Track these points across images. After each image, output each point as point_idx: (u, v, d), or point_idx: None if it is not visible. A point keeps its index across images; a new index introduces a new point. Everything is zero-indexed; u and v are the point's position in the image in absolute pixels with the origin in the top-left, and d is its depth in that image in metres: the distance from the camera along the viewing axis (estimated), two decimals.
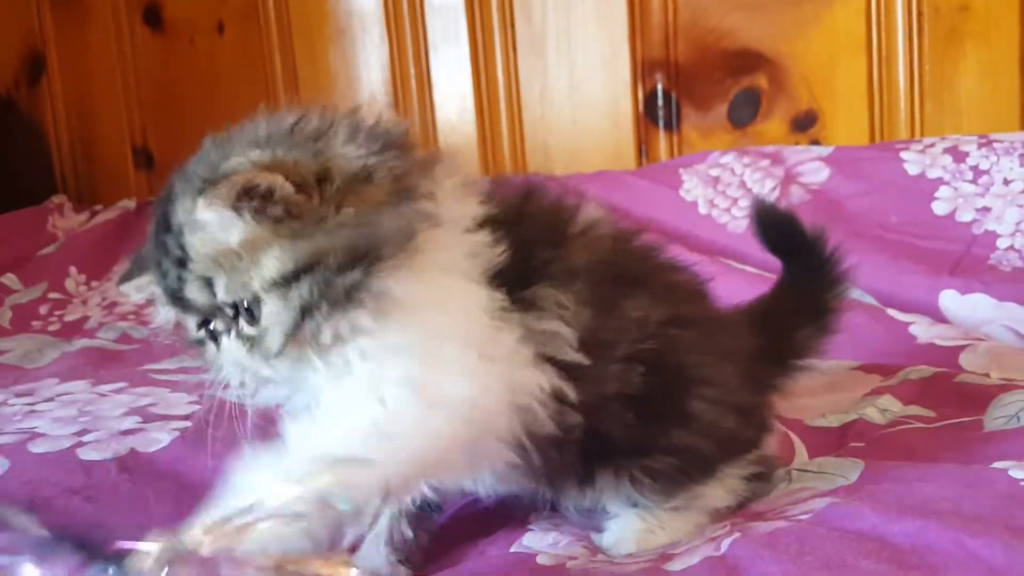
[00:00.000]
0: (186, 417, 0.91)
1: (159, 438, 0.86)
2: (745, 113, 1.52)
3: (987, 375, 0.96)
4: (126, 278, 0.66)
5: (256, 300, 0.57)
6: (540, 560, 0.65)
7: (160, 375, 1.09)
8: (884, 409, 0.89)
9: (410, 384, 0.56)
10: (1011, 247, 1.24)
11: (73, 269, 1.56)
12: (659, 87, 1.55)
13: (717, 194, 1.40)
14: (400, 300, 0.57)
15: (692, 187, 1.42)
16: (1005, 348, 1.07)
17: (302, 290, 0.56)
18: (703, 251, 1.31)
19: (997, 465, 0.69)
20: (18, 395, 1.05)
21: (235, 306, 0.58)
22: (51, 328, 1.43)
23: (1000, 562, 0.55)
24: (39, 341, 1.36)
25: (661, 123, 1.56)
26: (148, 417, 0.91)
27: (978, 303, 1.17)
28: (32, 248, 1.62)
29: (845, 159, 1.39)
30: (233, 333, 0.58)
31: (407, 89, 1.67)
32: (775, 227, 0.87)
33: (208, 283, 0.58)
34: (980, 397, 0.86)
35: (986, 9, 1.38)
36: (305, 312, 0.56)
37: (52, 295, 1.52)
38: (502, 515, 0.73)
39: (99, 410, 0.97)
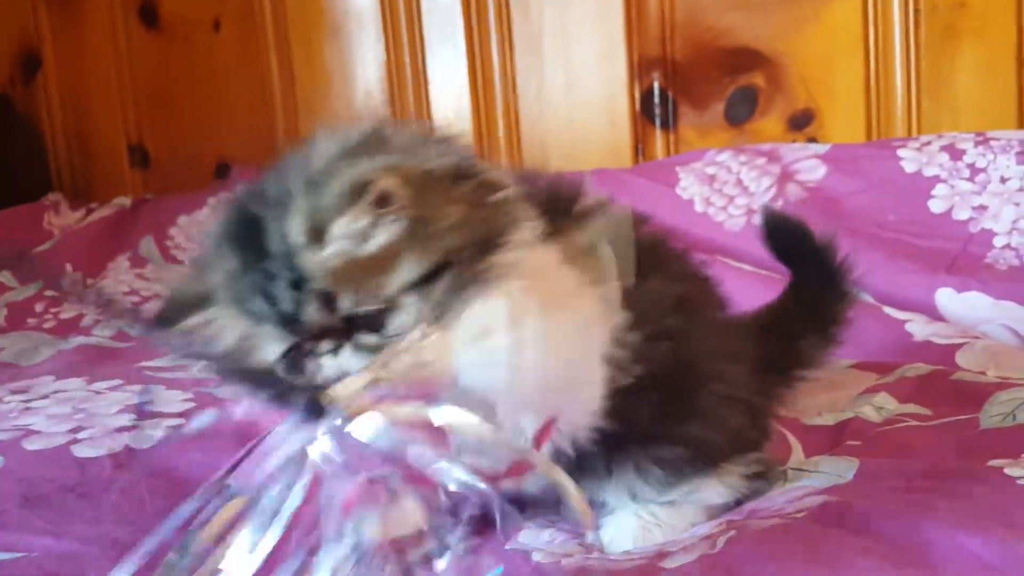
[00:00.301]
0: (180, 414, 0.91)
1: (154, 435, 0.86)
2: (742, 111, 1.52)
3: (983, 373, 0.96)
4: (175, 320, 0.60)
5: (384, 309, 0.56)
6: (536, 557, 0.65)
7: (156, 372, 1.09)
8: (880, 407, 0.89)
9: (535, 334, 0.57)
10: (1008, 245, 1.24)
11: (69, 267, 1.56)
12: (656, 85, 1.55)
13: (714, 192, 1.40)
14: (526, 268, 0.58)
15: (689, 185, 1.42)
16: (1001, 346, 1.07)
17: (440, 286, 0.56)
18: (700, 249, 1.30)
19: (993, 463, 0.69)
20: (13, 392, 1.05)
21: (351, 320, 0.56)
22: (46, 325, 1.43)
23: (997, 559, 0.55)
24: (35, 339, 1.36)
25: (658, 121, 1.56)
26: (143, 415, 0.91)
27: (975, 301, 1.17)
28: (28, 245, 1.62)
29: (842, 157, 1.38)
30: (349, 348, 0.57)
31: (403, 87, 1.67)
32: (784, 234, 0.87)
33: (330, 299, 0.56)
34: (976, 395, 0.86)
35: (983, 6, 1.38)
36: (442, 305, 0.56)
37: (48, 293, 1.51)
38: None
39: (94, 407, 0.97)
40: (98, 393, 1.03)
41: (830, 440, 0.84)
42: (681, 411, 0.67)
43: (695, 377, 0.68)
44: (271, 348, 0.58)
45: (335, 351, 0.56)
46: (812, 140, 1.48)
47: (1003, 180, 1.28)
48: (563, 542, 0.68)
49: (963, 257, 1.24)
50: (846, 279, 0.85)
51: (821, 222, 1.27)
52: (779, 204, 1.34)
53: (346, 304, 0.56)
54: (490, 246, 0.57)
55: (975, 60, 1.40)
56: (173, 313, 0.60)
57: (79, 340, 1.31)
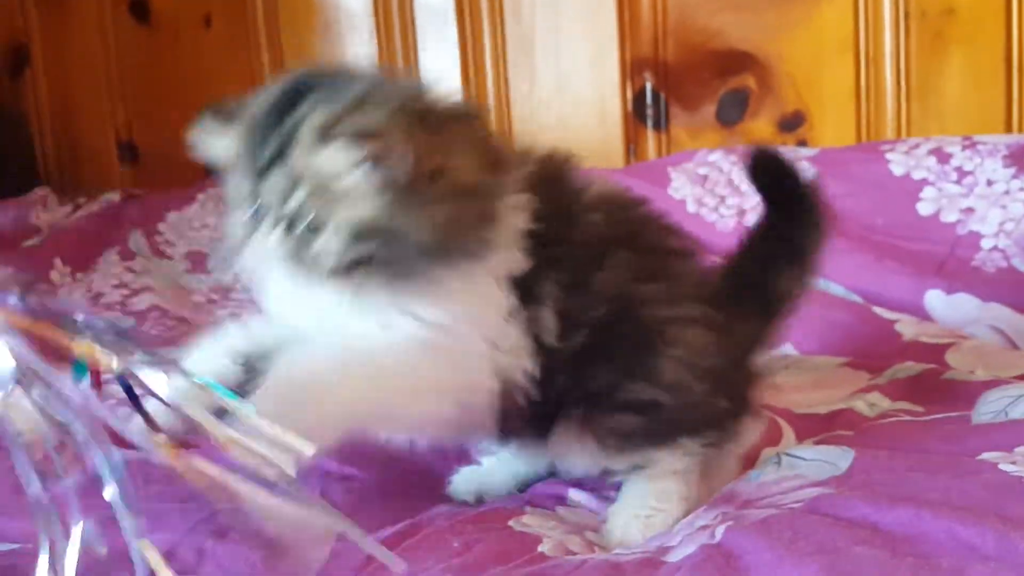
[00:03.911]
0: None
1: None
2: (733, 113, 1.53)
3: (972, 372, 0.97)
4: (214, 119, 0.67)
5: (320, 226, 0.61)
6: (542, 548, 0.65)
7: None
8: (872, 404, 0.89)
9: (422, 344, 0.63)
10: (995, 248, 1.25)
11: (58, 261, 1.55)
12: (648, 86, 1.56)
13: (705, 192, 1.41)
14: (449, 289, 0.63)
15: (680, 185, 1.43)
16: (990, 346, 1.08)
17: (370, 247, 0.61)
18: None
19: (986, 457, 0.70)
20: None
21: (292, 219, 0.61)
22: None
23: (991, 550, 0.55)
24: None
25: (650, 122, 1.57)
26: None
27: (963, 303, 1.18)
28: (16, 240, 1.61)
29: (831, 160, 1.39)
30: (280, 228, 0.61)
31: None
32: (769, 171, 0.85)
33: (292, 187, 0.61)
34: (967, 393, 0.87)
35: (971, 13, 1.39)
36: (360, 263, 0.61)
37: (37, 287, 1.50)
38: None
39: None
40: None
41: (822, 427, 0.84)
42: (636, 376, 0.69)
43: (648, 343, 0.69)
44: (240, 192, 0.64)
45: (271, 228, 0.62)
46: (802, 142, 1.49)
47: (990, 183, 1.30)
48: (566, 532, 0.69)
49: (951, 260, 1.25)
50: (820, 213, 0.83)
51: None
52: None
53: (295, 199, 0.61)
54: (441, 251, 0.62)
55: (963, 66, 1.41)
56: (215, 115, 0.67)
57: None
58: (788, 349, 1.13)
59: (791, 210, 0.83)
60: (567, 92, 1.59)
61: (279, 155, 0.61)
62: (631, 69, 1.56)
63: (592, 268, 0.68)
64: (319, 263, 0.61)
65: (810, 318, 1.15)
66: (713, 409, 0.72)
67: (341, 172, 0.60)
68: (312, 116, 0.60)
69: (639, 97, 1.56)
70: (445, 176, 0.61)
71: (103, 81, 1.81)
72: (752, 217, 1.33)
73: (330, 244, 0.61)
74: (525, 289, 0.66)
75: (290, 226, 0.61)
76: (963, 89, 1.42)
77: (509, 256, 0.65)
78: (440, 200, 0.61)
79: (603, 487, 0.75)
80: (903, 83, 1.44)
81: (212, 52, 1.74)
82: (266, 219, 0.62)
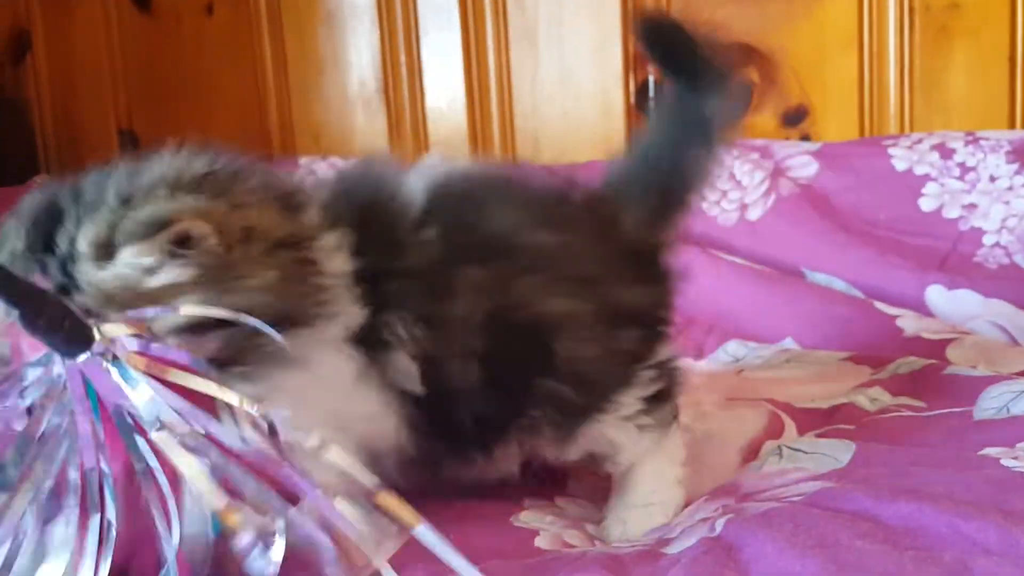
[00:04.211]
0: None
1: None
2: None
3: (974, 367, 0.97)
4: None
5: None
6: (539, 542, 0.65)
7: None
8: (874, 399, 0.89)
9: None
10: (997, 244, 1.25)
11: None
12: (651, 79, 1.55)
13: None
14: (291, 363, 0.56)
15: None
16: (991, 342, 1.08)
17: (209, 342, 0.53)
18: (692, 242, 1.30)
19: (988, 452, 0.70)
20: None
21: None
22: None
23: (994, 544, 0.55)
24: None
25: None
26: None
27: (964, 299, 1.18)
28: None
29: (833, 154, 1.39)
30: None
31: (397, 76, 1.66)
32: (663, 37, 0.80)
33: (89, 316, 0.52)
34: (970, 389, 0.86)
35: (976, 7, 1.39)
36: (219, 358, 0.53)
37: None
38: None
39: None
40: None
41: (823, 421, 0.84)
42: (528, 375, 0.65)
43: (536, 339, 0.65)
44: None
45: None
46: (805, 137, 1.49)
47: (993, 179, 1.29)
48: (564, 527, 0.69)
49: (953, 255, 1.25)
50: (725, 75, 0.78)
51: (813, 218, 1.30)
52: (772, 199, 1.35)
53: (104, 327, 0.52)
54: (281, 324, 0.53)
55: (967, 61, 1.41)
56: None
57: None
58: (789, 343, 1.13)
59: (693, 75, 0.77)
60: (570, 84, 1.58)
61: (65, 287, 0.53)
62: (634, 62, 1.55)
63: (441, 298, 0.62)
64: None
65: (811, 312, 1.16)
66: (619, 348, 0.67)
67: (142, 278, 0.53)
68: (82, 234, 0.54)
69: (642, 90, 1.56)
70: (255, 233, 0.55)
71: (104, 68, 1.80)
72: (755, 212, 1.34)
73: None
74: (371, 339, 0.60)
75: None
76: (967, 84, 1.41)
77: (346, 303, 0.59)
78: (262, 261, 0.55)
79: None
80: (906, 78, 1.43)
81: (214, 40, 1.73)
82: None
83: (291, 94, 1.72)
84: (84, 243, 0.54)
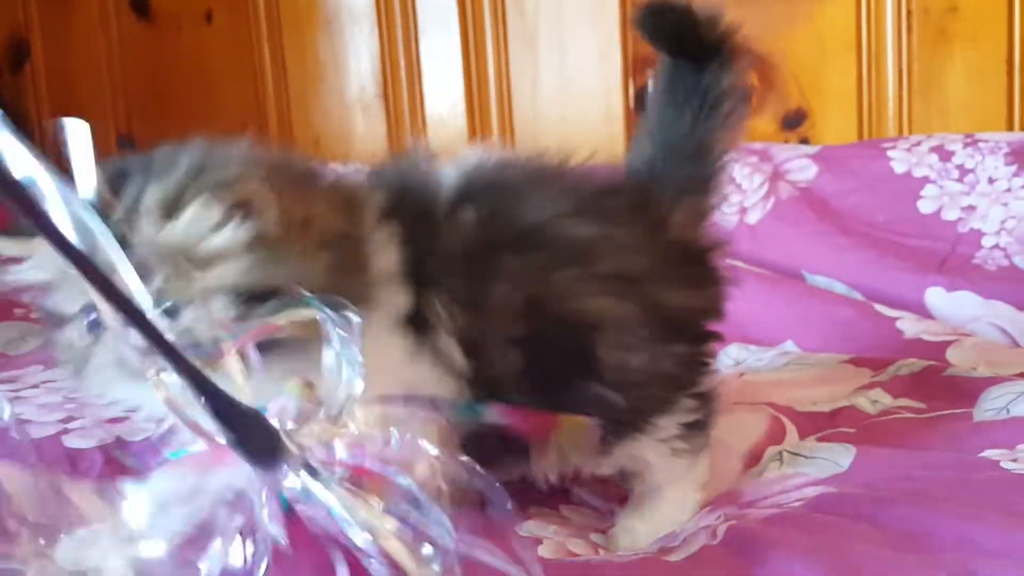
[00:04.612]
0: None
1: (146, 427, 0.85)
2: None
3: (974, 369, 0.97)
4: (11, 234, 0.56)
5: (183, 304, 0.53)
6: (541, 552, 0.65)
7: None
8: (875, 401, 0.89)
9: None
10: (996, 246, 1.25)
11: None
12: (651, 82, 1.55)
13: None
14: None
15: None
16: (991, 343, 1.08)
17: (258, 308, 0.53)
18: None
19: (989, 454, 0.70)
20: (1, 382, 1.03)
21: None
22: (34, 315, 1.41)
23: (996, 546, 0.55)
24: (21, 328, 1.35)
25: None
26: None
27: (964, 301, 1.18)
28: None
29: (832, 157, 1.39)
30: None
31: (397, 81, 1.66)
32: (661, 16, 0.77)
33: (142, 271, 0.51)
34: (970, 390, 0.87)
35: (974, 10, 1.39)
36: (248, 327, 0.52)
37: None
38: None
39: (85, 397, 0.96)
40: None
41: (824, 425, 0.84)
42: (571, 375, 0.64)
43: (576, 335, 0.64)
44: (74, 297, 0.55)
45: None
46: (804, 140, 1.49)
47: (991, 181, 1.30)
48: (568, 535, 0.69)
49: (952, 257, 1.25)
50: (731, 49, 0.77)
51: (813, 221, 1.30)
52: (771, 202, 1.35)
53: (151, 285, 0.52)
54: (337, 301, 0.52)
55: (966, 63, 1.41)
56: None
57: None
58: (790, 346, 1.13)
59: (696, 52, 0.76)
60: (570, 88, 1.58)
61: (120, 236, 0.51)
62: (634, 65, 1.55)
63: (482, 281, 0.62)
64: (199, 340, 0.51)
65: (812, 315, 1.16)
66: (664, 368, 0.67)
67: (204, 235, 0.53)
68: (148, 192, 0.54)
69: (642, 93, 1.56)
70: (314, 224, 0.56)
71: (104, 76, 1.81)
72: (754, 215, 1.34)
73: (208, 319, 0.53)
74: (417, 319, 0.61)
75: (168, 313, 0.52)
76: (965, 86, 1.42)
77: (393, 294, 0.60)
78: (315, 249, 0.56)
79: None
80: (905, 80, 1.44)
81: (213, 47, 1.74)
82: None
83: (291, 100, 1.72)
84: (150, 200, 0.53)
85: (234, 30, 1.72)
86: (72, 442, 0.83)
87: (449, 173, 0.66)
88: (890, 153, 1.36)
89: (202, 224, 0.53)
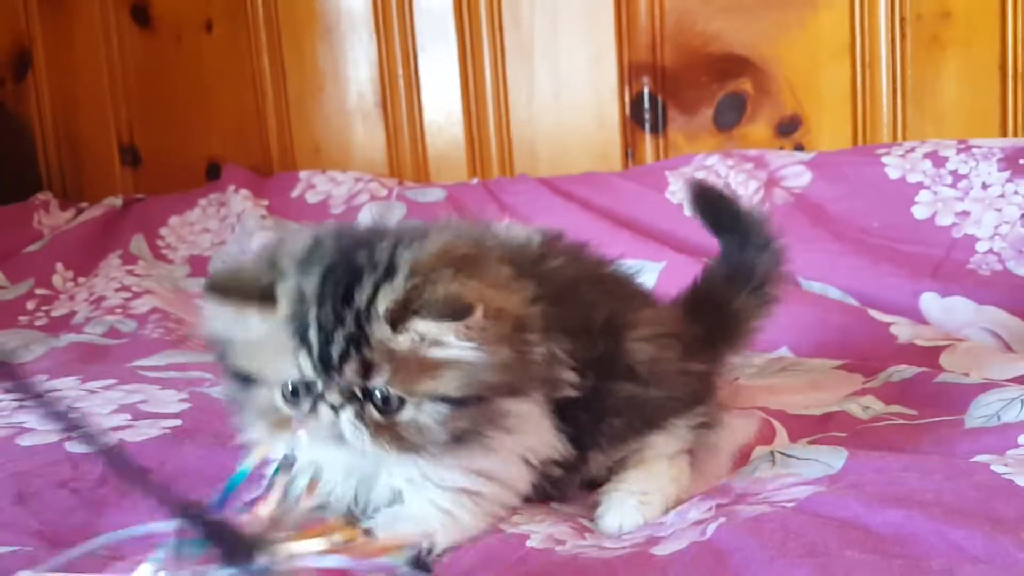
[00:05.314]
0: (176, 415, 0.91)
1: (149, 435, 0.86)
2: (730, 117, 1.54)
3: (967, 374, 0.98)
4: (225, 292, 0.64)
5: (403, 399, 0.62)
6: (531, 543, 0.66)
7: (149, 372, 1.09)
8: (866, 407, 0.90)
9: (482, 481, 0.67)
10: (990, 251, 1.26)
11: (60, 265, 1.55)
12: (645, 90, 1.57)
13: None
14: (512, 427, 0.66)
15: (677, 189, 1.44)
16: (984, 349, 1.09)
17: (463, 417, 0.62)
18: (688, 252, 1.32)
19: (979, 459, 0.71)
20: (5, 391, 1.04)
21: (368, 392, 0.62)
22: (38, 323, 1.43)
23: (981, 552, 0.56)
24: (26, 336, 1.36)
25: (647, 126, 1.58)
26: (137, 415, 0.91)
27: (958, 306, 1.19)
28: (17, 244, 1.61)
29: (826, 163, 1.41)
30: (351, 412, 0.61)
31: (395, 89, 1.68)
32: (710, 202, 0.91)
33: (369, 368, 0.61)
34: (961, 397, 0.87)
35: (967, 17, 1.40)
36: (456, 432, 0.63)
37: (39, 291, 1.51)
38: None
39: (89, 407, 0.97)
40: (92, 392, 1.03)
41: (815, 429, 0.85)
42: (611, 377, 0.71)
43: (614, 335, 0.72)
44: (287, 369, 0.63)
45: (340, 407, 0.62)
46: (799, 146, 1.50)
47: (985, 186, 1.31)
48: (554, 523, 0.69)
49: (946, 263, 1.26)
50: (769, 237, 0.89)
51: (807, 227, 1.31)
52: (766, 208, 1.36)
53: (378, 381, 0.61)
54: (515, 393, 0.64)
55: (959, 70, 1.42)
56: (229, 288, 0.64)
57: (70, 338, 1.31)
58: (783, 351, 1.14)
59: (738, 237, 0.88)
60: (565, 96, 1.60)
61: (355, 336, 0.61)
62: (629, 73, 1.57)
63: (580, 310, 0.71)
64: (414, 438, 0.62)
65: (805, 320, 1.17)
66: (690, 378, 0.76)
67: (431, 345, 0.61)
68: (381, 296, 0.61)
69: (637, 101, 1.57)
70: (503, 316, 0.62)
71: (105, 85, 1.82)
72: None
73: (427, 417, 0.62)
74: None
75: (378, 403, 0.62)
76: (959, 93, 1.43)
77: (552, 376, 0.67)
78: (506, 341, 0.62)
79: None
80: (899, 87, 1.45)
81: (213, 56, 1.75)
82: (345, 398, 0.62)
83: (290, 108, 1.73)
84: (383, 306, 0.61)
85: (234, 39, 1.73)
86: (75, 448, 0.84)
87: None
88: (884, 159, 1.37)
89: (428, 338, 0.61)
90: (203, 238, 1.63)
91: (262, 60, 1.72)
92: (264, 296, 0.63)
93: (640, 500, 0.71)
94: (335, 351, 0.61)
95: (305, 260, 0.64)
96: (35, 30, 1.84)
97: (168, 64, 1.78)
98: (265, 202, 1.62)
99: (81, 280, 1.54)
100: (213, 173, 1.76)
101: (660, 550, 0.62)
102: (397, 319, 0.61)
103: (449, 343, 0.61)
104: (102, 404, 0.97)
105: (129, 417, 0.91)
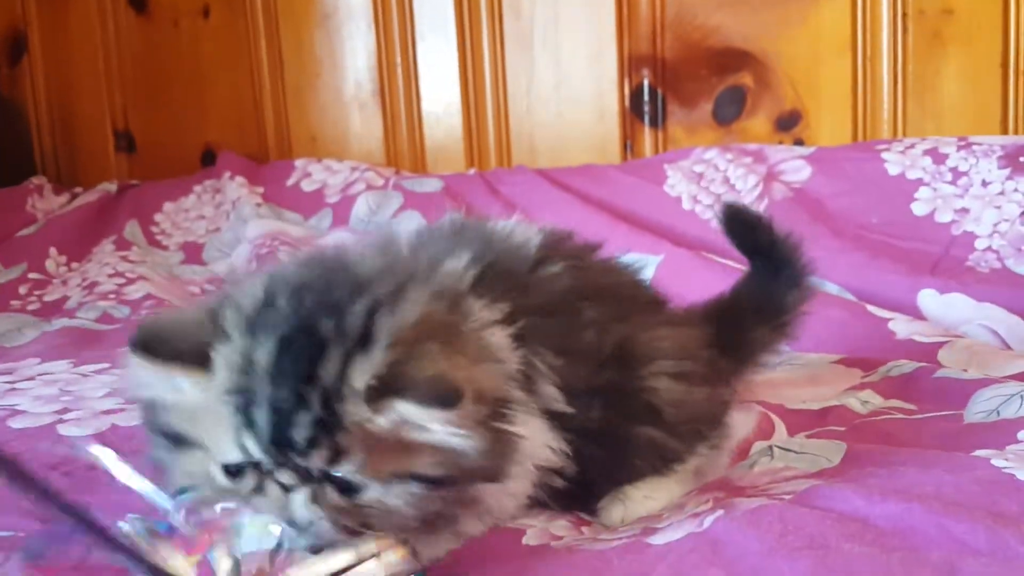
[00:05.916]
0: None
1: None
2: (730, 111, 1.53)
3: (965, 371, 0.98)
4: (155, 353, 0.56)
5: (368, 482, 0.55)
6: (526, 540, 0.65)
7: None
8: (865, 401, 0.90)
9: None
10: (989, 248, 1.26)
11: (53, 250, 1.55)
12: (645, 83, 1.56)
13: (701, 190, 1.41)
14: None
15: (676, 182, 1.43)
16: (982, 345, 1.08)
17: (435, 499, 0.56)
18: (686, 245, 1.32)
19: (979, 454, 0.70)
20: None
21: (329, 475, 0.54)
22: (30, 307, 1.42)
23: (982, 545, 0.56)
24: (18, 320, 1.35)
25: (647, 119, 1.57)
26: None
27: (956, 303, 1.19)
28: (10, 228, 1.60)
29: (826, 159, 1.40)
30: (306, 494, 0.54)
31: (393, 79, 1.67)
32: (743, 225, 0.89)
33: (338, 453, 0.53)
34: (960, 392, 0.87)
35: (969, 13, 1.40)
36: (427, 515, 0.56)
37: (32, 275, 1.50)
38: None
39: (81, 390, 0.97)
40: (84, 376, 1.03)
41: (814, 422, 0.85)
42: (633, 419, 0.68)
43: (638, 371, 0.68)
44: (232, 451, 0.55)
45: (292, 488, 0.54)
46: (799, 141, 1.50)
47: (985, 184, 1.30)
48: (550, 516, 0.69)
49: (945, 259, 1.26)
50: (803, 272, 0.86)
51: (806, 222, 1.31)
52: (764, 203, 1.35)
53: (347, 467, 0.54)
54: (491, 477, 0.58)
55: (960, 66, 1.42)
56: (157, 345, 0.56)
57: (63, 322, 1.30)
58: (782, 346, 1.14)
59: (772, 265, 0.86)
60: (565, 88, 1.59)
61: (324, 420, 0.53)
62: (629, 66, 1.56)
63: (571, 325, 0.66)
64: (379, 520, 0.55)
65: (805, 315, 1.16)
66: (713, 407, 0.73)
67: (412, 428, 0.55)
68: (356, 373, 0.54)
69: (636, 94, 1.56)
70: (483, 398, 0.57)
71: (101, 70, 1.81)
72: None
73: (395, 499, 0.55)
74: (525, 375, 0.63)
75: (340, 484, 0.54)
76: (960, 89, 1.42)
77: (542, 440, 0.62)
78: (486, 422, 0.57)
79: None
80: (900, 82, 1.44)
81: (210, 42, 1.74)
82: (301, 478, 0.54)
83: (287, 96, 1.72)
84: (359, 381, 0.54)
85: (231, 25, 1.72)
86: (67, 431, 0.83)
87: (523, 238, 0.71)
88: (884, 155, 1.36)
89: (411, 420, 0.54)
90: (198, 225, 1.62)
91: (259, 47, 1.71)
92: (199, 358, 0.55)
93: (645, 496, 0.70)
94: (299, 435, 0.53)
95: (255, 322, 0.56)
96: (31, 14, 1.82)
97: (164, 50, 1.77)
98: (260, 189, 1.62)
99: (74, 265, 1.53)
100: (208, 160, 1.75)
101: (656, 540, 0.62)
102: (377, 397, 0.53)
103: (433, 429, 0.54)
104: (94, 387, 0.97)
105: (121, 401, 0.90)
